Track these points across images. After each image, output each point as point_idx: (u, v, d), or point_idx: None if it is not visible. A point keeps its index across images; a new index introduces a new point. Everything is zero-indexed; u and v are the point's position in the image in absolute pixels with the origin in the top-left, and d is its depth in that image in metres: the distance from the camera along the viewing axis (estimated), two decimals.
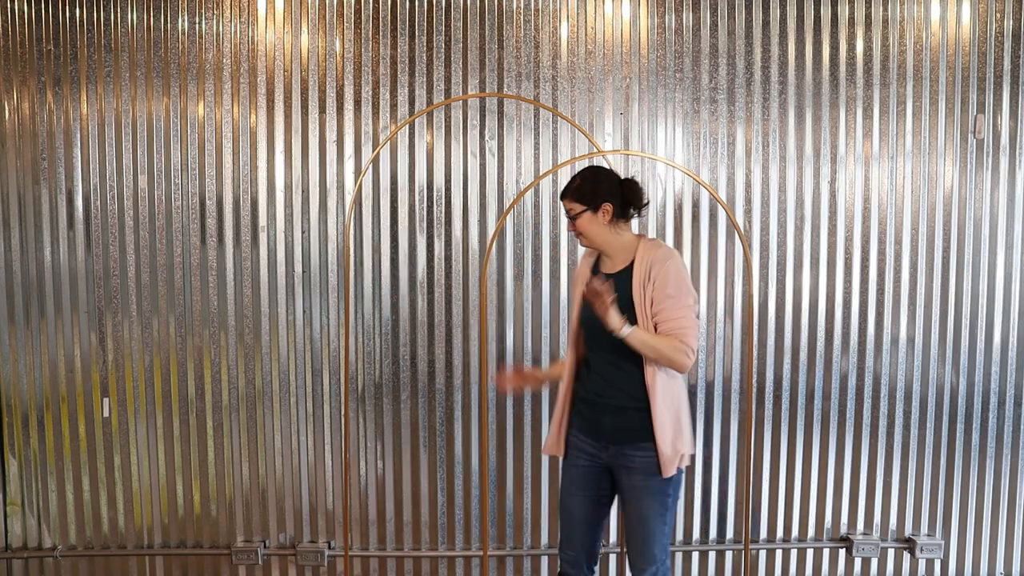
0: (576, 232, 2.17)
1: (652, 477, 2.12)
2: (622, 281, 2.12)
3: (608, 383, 2.15)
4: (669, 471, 2.10)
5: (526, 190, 2.69)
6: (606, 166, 2.52)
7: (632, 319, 2.07)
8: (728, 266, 2.92)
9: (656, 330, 2.06)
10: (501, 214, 2.88)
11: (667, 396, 2.10)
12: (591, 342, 2.19)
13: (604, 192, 2.13)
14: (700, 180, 2.54)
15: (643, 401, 2.10)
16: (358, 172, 2.87)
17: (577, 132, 2.87)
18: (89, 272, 2.86)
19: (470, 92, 2.85)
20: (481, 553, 3.00)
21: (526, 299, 2.90)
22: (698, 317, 2.19)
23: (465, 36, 2.85)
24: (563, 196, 2.17)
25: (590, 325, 2.14)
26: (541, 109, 2.86)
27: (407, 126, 2.85)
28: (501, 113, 2.86)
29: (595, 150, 2.87)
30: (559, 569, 2.33)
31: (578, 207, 2.14)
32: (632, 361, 2.10)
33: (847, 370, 2.96)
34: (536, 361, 2.92)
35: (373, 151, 2.86)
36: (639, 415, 2.11)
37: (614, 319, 2.00)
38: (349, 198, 2.88)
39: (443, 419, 2.95)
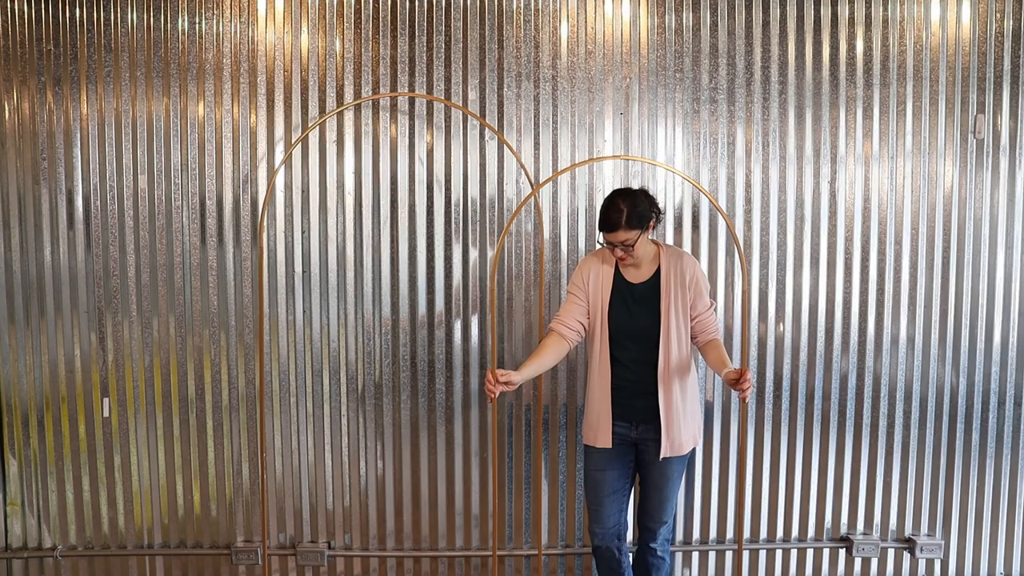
0: (626, 258, 2.33)
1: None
2: (652, 289, 2.38)
3: (639, 373, 2.38)
4: (687, 448, 2.42)
5: (527, 200, 2.70)
6: (621, 186, 2.57)
7: (657, 324, 2.35)
8: (728, 266, 2.92)
9: (692, 323, 2.39)
10: (501, 213, 2.88)
11: (683, 384, 2.41)
12: (625, 341, 2.39)
13: (644, 210, 2.29)
14: (699, 186, 2.54)
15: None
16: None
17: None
18: (89, 272, 2.86)
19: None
20: (481, 553, 3.00)
21: (526, 299, 2.90)
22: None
23: (465, 36, 2.85)
24: (613, 229, 2.27)
25: (626, 328, 2.38)
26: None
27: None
28: (501, 114, 2.86)
29: (596, 155, 2.87)
30: (592, 544, 2.54)
31: (634, 234, 2.28)
32: (653, 355, 2.37)
33: (847, 370, 2.96)
34: None
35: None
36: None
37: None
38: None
39: (443, 419, 2.95)
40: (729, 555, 3.02)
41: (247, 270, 2.87)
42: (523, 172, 2.85)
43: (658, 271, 2.39)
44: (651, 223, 2.33)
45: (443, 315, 2.91)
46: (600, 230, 2.33)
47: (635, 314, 2.39)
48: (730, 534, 3.02)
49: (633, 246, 2.29)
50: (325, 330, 2.90)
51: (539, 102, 2.87)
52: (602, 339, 2.41)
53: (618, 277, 2.43)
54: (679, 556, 3.01)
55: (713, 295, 2.92)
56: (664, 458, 2.41)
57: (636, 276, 2.42)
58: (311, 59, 2.84)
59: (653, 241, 2.43)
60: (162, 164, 2.84)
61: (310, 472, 2.95)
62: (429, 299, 2.90)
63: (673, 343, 2.37)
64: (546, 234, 2.89)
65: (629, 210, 2.25)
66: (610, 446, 2.44)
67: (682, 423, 2.40)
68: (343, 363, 2.91)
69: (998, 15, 2.90)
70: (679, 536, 3.01)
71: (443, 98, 2.84)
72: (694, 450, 2.53)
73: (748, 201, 2.91)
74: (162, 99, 2.83)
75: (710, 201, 2.83)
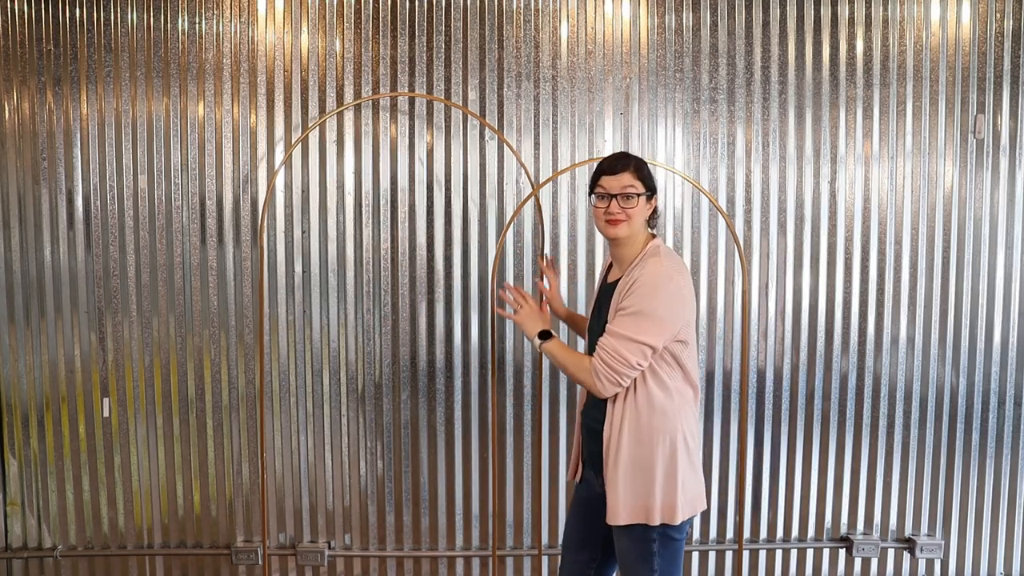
0: (616, 221, 1.88)
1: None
2: (612, 291, 1.94)
3: (593, 403, 1.98)
4: (624, 518, 1.86)
5: (527, 199, 2.70)
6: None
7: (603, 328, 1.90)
8: (728, 265, 2.92)
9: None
10: (501, 213, 2.88)
11: (637, 429, 1.84)
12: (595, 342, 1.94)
13: (652, 177, 1.94)
14: (699, 185, 2.54)
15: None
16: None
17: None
18: (89, 272, 2.86)
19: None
20: (481, 553, 2.99)
21: None
22: (660, 351, 1.83)
23: (465, 36, 2.85)
24: (619, 170, 1.88)
25: (592, 338, 1.96)
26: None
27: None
28: (501, 114, 2.86)
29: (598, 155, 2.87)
30: None
31: (640, 187, 1.89)
32: None
33: (847, 370, 2.96)
34: (534, 363, 2.92)
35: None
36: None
37: (528, 327, 1.94)
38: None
39: (443, 419, 2.94)
40: (729, 555, 3.02)
41: (247, 270, 2.87)
42: (523, 172, 2.85)
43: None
44: (654, 199, 1.96)
45: (443, 315, 2.90)
46: (602, 174, 1.92)
47: (597, 321, 1.98)
48: (730, 534, 3.02)
49: (635, 202, 1.87)
50: (325, 330, 2.90)
51: (539, 102, 2.87)
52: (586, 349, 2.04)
53: (604, 276, 2.08)
54: None
55: (713, 295, 2.92)
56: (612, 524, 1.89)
57: (618, 274, 1.97)
58: (311, 59, 2.84)
59: (652, 234, 1.99)
60: (162, 164, 2.84)
61: (310, 472, 2.95)
62: (429, 299, 2.90)
63: None
64: (546, 234, 2.89)
65: (639, 162, 1.92)
66: (576, 480, 2.11)
67: (623, 481, 1.85)
68: (343, 363, 2.91)
69: (998, 15, 2.90)
70: None
71: (443, 98, 2.84)
72: (663, 533, 1.85)
73: (748, 201, 2.91)
74: (162, 99, 2.83)
75: (710, 201, 2.83)
